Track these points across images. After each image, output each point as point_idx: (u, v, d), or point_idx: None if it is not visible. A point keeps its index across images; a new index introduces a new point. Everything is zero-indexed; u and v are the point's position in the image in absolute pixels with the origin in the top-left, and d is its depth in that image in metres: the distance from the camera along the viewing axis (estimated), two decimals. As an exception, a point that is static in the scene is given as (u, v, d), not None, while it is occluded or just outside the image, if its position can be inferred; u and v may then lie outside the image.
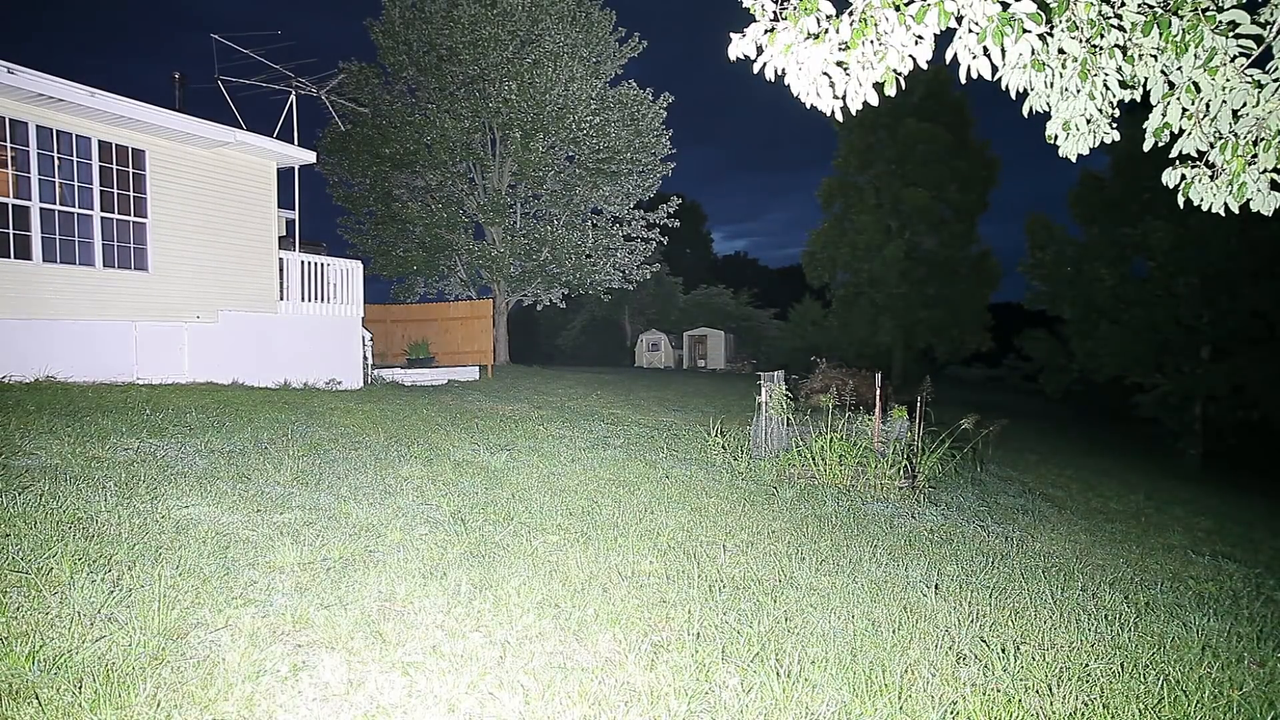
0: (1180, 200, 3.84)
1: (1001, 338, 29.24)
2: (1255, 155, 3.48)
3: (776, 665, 3.78)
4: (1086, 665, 4.02)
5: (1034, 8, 3.23)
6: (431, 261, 19.68)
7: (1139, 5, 3.41)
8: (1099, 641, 4.36)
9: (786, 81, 3.66)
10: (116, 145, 9.63)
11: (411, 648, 3.70)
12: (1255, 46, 3.39)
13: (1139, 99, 3.82)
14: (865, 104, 3.67)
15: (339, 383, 11.95)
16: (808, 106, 3.71)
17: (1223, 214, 3.76)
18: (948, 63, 3.46)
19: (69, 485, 5.39)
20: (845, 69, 3.58)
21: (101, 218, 9.51)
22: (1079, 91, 3.61)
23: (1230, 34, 3.31)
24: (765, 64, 3.63)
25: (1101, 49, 3.48)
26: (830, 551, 5.93)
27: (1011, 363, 34.34)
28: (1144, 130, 3.66)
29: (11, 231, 8.72)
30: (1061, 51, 3.51)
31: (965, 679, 3.78)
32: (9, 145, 8.67)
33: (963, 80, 3.49)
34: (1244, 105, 3.40)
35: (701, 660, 3.80)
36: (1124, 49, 3.50)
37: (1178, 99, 3.51)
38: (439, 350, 17.09)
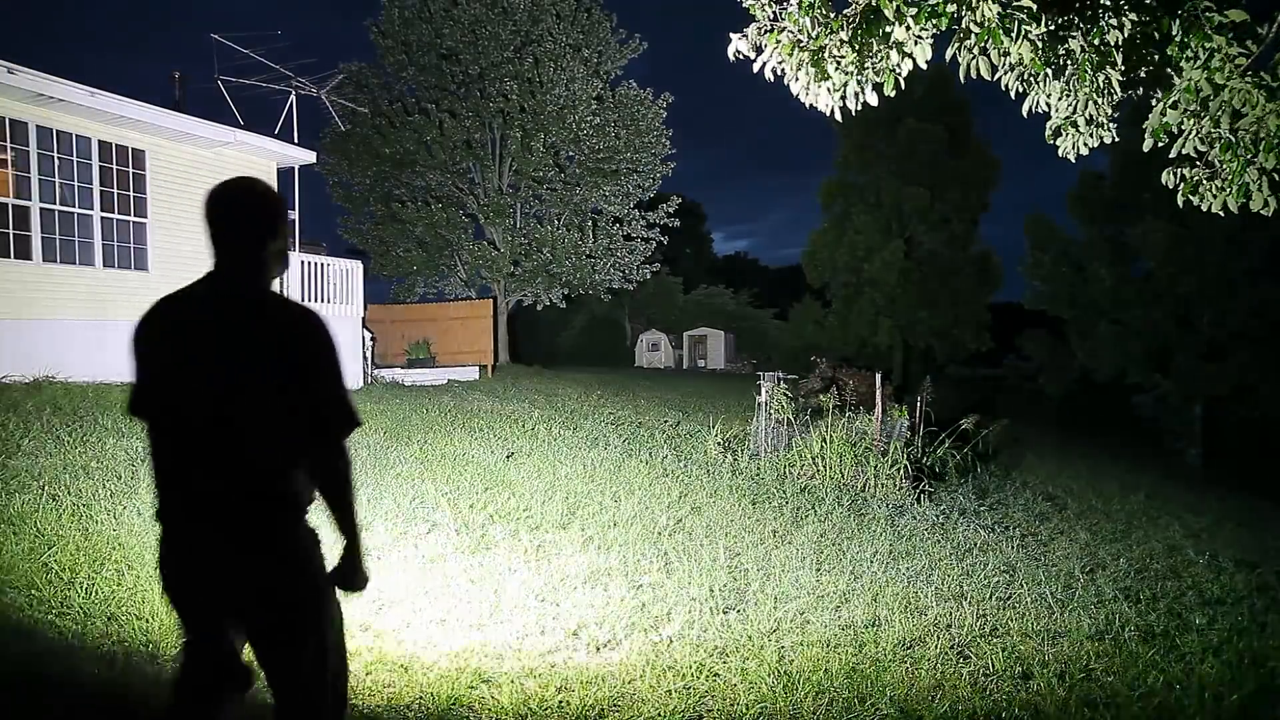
0: (1180, 200, 3.84)
1: (1001, 338, 29.20)
2: (1255, 156, 3.48)
3: (777, 665, 3.78)
4: (1088, 665, 4.03)
5: (1034, 6, 3.23)
6: (431, 261, 19.66)
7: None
8: (1100, 640, 4.36)
9: (786, 81, 3.66)
10: (116, 145, 9.62)
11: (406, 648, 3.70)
12: (1255, 48, 3.39)
13: (1139, 99, 3.82)
14: (865, 104, 3.68)
15: (339, 383, 11.95)
16: (808, 106, 3.72)
17: (1222, 214, 3.76)
18: (947, 60, 3.47)
19: (69, 486, 5.38)
20: (845, 69, 3.58)
21: (101, 218, 9.51)
22: (1079, 91, 3.61)
23: (1230, 35, 3.31)
24: (765, 64, 3.63)
25: (1102, 49, 3.48)
26: (831, 550, 5.93)
27: (1011, 363, 34.29)
28: (1144, 130, 3.67)
29: (11, 231, 8.71)
30: (1061, 52, 3.52)
31: (966, 677, 3.78)
32: (9, 145, 8.67)
33: (962, 80, 3.50)
34: (1244, 106, 3.40)
35: (702, 660, 3.80)
36: (1124, 49, 3.50)
37: (1177, 100, 3.51)
38: (439, 350, 17.08)
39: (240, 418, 1.79)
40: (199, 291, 1.88)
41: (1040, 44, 3.33)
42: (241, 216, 1.91)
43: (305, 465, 1.86)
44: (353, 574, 1.93)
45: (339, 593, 1.95)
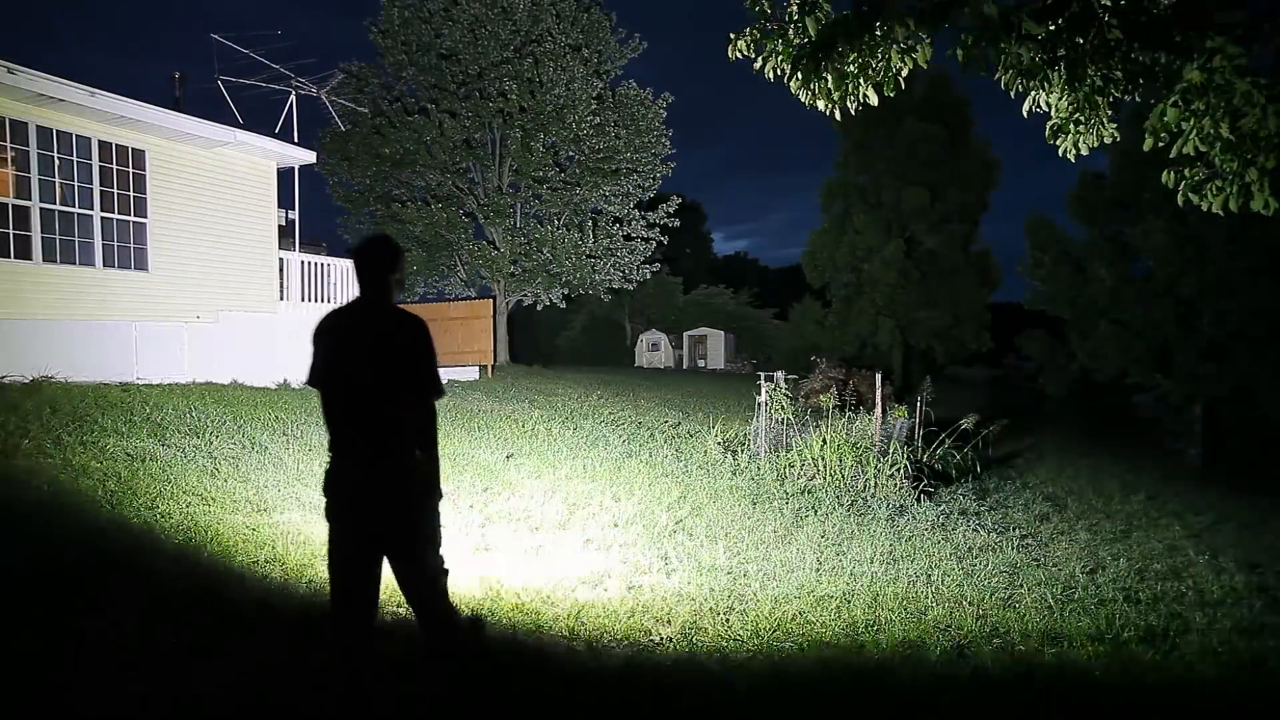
0: (1180, 200, 3.83)
1: (1001, 338, 29.17)
2: (1255, 156, 3.47)
3: (777, 667, 3.78)
4: (1089, 666, 4.02)
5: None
6: (431, 261, 19.65)
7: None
8: (1101, 642, 4.36)
9: (786, 81, 3.66)
10: (116, 145, 9.62)
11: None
12: (1255, 47, 3.39)
13: (1139, 99, 3.82)
14: (865, 104, 3.68)
15: (339, 383, 11.93)
16: (808, 106, 3.71)
17: (1222, 214, 3.76)
18: (946, 57, 3.46)
19: (69, 486, 5.38)
20: (845, 70, 3.57)
21: (101, 218, 9.50)
22: (1079, 90, 3.61)
23: (1230, 34, 3.31)
24: (765, 64, 3.63)
25: (1102, 48, 3.47)
26: (831, 551, 5.93)
27: (1011, 363, 34.23)
28: (1144, 130, 3.66)
29: (11, 231, 8.71)
30: (1062, 51, 3.51)
31: (968, 679, 3.77)
32: (9, 145, 8.66)
33: (962, 75, 3.49)
34: (1244, 105, 3.40)
35: (701, 663, 3.80)
36: (1124, 50, 3.50)
37: (1177, 99, 3.51)
38: (439, 350, 17.03)
39: (374, 385, 2.76)
40: (352, 307, 2.95)
41: (1041, 43, 3.33)
42: (373, 260, 2.89)
43: (410, 415, 2.81)
44: (428, 489, 2.84)
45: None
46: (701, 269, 46.02)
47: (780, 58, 3.57)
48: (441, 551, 2.91)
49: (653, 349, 32.89)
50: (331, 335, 2.87)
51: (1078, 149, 3.92)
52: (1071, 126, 3.84)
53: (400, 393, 2.77)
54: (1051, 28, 3.45)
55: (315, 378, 2.90)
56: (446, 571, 2.93)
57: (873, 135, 28.88)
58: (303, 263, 12.16)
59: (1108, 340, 21.79)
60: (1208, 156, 3.64)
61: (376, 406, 2.76)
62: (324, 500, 2.79)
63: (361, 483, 2.75)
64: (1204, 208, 3.73)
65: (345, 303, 2.99)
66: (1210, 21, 3.20)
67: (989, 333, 28.96)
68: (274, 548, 4.81)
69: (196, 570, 4.30)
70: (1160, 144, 3.69)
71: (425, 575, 2.84)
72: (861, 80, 3.56)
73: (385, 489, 2.75)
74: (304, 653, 3.38)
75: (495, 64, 17.96)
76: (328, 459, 2.80)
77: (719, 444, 9.64)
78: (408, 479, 2.78)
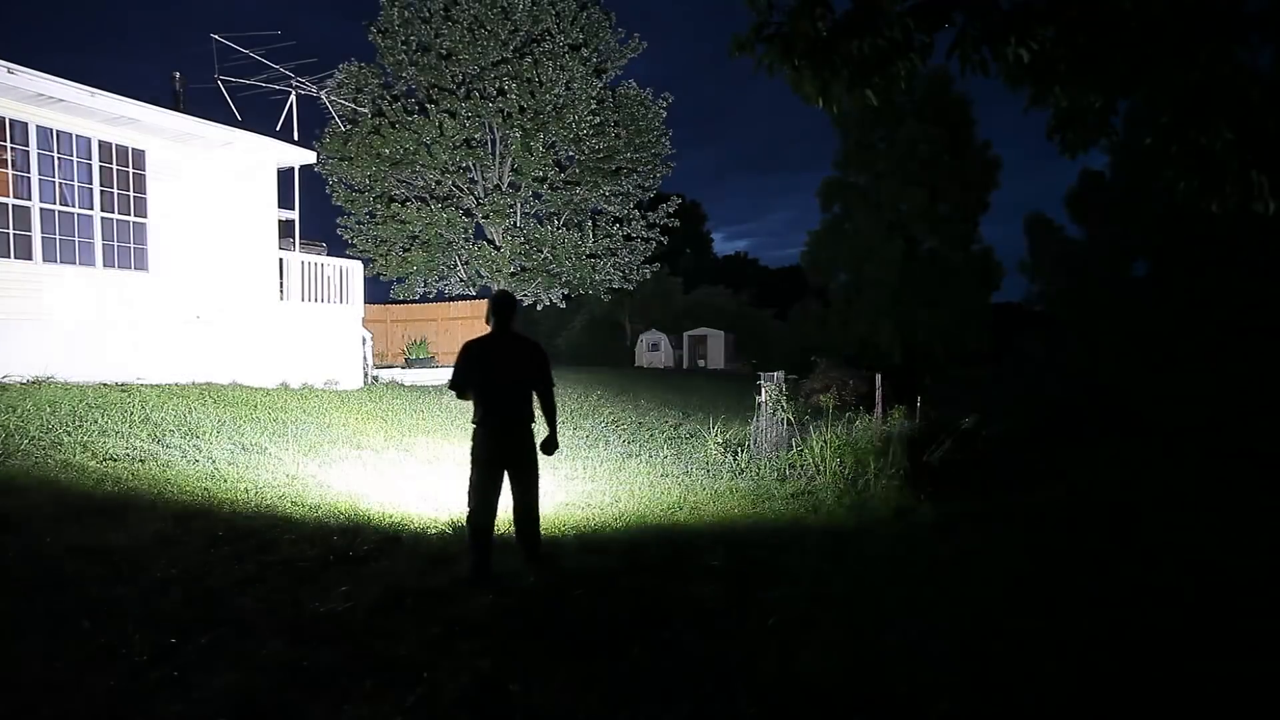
0: (1180, 200, 3.83)
1: (1001, 338, 29.20)
2: (1255, 155, 3.46)
3: (778, 668, 3.77)
4: (1093, 669, 4.02)
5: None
6: (431, 261, 19.65)
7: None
8: (1105, 645, 4.35)
9: (786, 81, 3.66)
10: (116, 145, 9.62)
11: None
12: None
13: (1139, 98, 3.81)
14: (865, 104, 3.67)
15: (338, 382, 11.94)
16: (804, 100, 3.71)
17: (1222, 214, 3.75)
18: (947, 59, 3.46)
19: (68, 487, 5.38)
20: (845, 69, 3.56)
21: (101, 218, 9.51)
22: (1078, 89, 3.60)
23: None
24: (766, 64, 3.63)
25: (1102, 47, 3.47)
26: (830, 549, 5.93)
27: (1012, 363, 34.23)
28: (1144, 129, 3.65)
29: (11, 231, 8.71)
30: (1062, 50, 3.51)
31: (970, 680, 3.77)
32: (9, 145, 8.67)
33: (962, 78, 3.49)
34: (1242, 105, 3.39)
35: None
36: (1124, 47, 3.49)
37: (1176, 99, 3.50)
38: (439, 350, 17.08)
39: (510, 383, 4.51)
40: (489, 336, 4.57)
41: (1041, 42, 3.32)
42: (504, 307, 4.60)
43: (536, 402, 4.57)
44: (552, 445, 4.66)
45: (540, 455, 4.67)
46: (701, 269, 46.03)
47: (779, 58, 3.56)
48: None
49: (653, 349, 32.86)
50: (478, 354, 4.51)
51: (1077, 148, 3.91)
52: (1071, 125, 3.83)
53: (529, 388, 4.52)
54: (1052, 31, 3.44)
55: (459, 382, 4.50)
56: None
57: (873, 135, 28.92)
58: (302, 263, 12.15)
59: (1108, 340, 21.81)
60: (1208, 155, 3.63)
61: (509, 397, 4.49)
62: (471, 450, 4.52)
63: (499, 444, 4.48)
64: (1204, 207, 3.72)
65: (484, 334, 4.61)
66: (1214, 20, 3.20)
67: (989, 333, 28.98)
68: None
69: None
70: (1160, 143, 3.68)
71: (531, 508, 4.62)
72: (859, 79, 3.55)
73: (515, 447, 4.51)
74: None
75: (495, 64, 17.95)
76: (473, 429, 4.50)
77: (719, 444, 9.64)
78: (527, 441, 4.53)
